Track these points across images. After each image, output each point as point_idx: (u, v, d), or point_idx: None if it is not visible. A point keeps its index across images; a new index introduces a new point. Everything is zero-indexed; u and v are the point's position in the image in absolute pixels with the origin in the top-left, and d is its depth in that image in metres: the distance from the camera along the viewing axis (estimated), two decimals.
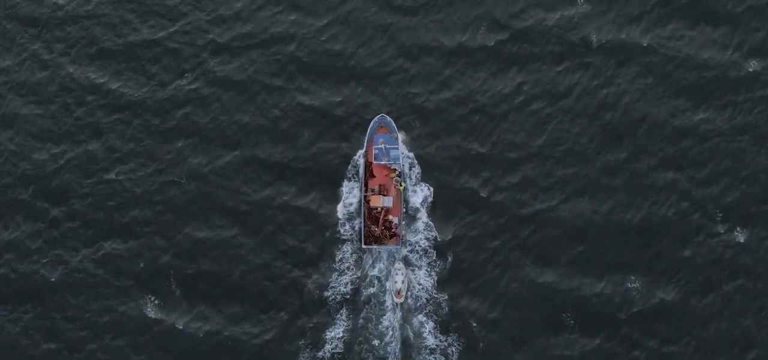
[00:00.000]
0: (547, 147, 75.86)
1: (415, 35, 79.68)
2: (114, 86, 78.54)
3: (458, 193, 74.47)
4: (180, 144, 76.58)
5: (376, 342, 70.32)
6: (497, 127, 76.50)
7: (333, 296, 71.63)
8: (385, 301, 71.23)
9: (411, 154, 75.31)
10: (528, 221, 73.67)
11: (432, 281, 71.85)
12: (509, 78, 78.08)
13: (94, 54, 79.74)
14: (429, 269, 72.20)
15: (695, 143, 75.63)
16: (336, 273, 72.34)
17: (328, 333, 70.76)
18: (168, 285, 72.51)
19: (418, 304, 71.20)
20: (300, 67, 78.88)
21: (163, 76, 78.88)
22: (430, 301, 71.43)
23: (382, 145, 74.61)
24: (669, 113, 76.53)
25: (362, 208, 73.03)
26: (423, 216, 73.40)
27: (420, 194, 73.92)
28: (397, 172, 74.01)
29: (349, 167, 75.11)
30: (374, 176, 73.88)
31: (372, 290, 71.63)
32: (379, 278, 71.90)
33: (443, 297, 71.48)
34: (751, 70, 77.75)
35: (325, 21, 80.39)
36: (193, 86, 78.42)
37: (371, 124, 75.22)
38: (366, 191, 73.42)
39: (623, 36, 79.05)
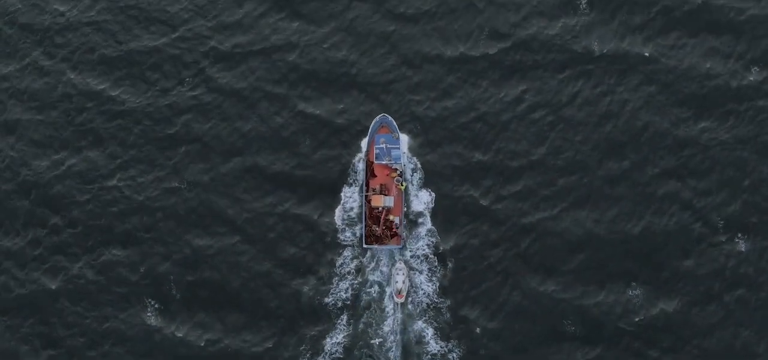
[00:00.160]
0: (549, 156, 75.76)
1: (416, 43, 79.61)
2: (115, 93, 78.46)
3: (460, 202, 74.37)
4: (181, 151, 76.48)
5: (376, 348, 70.22)
6: (499, 135, 76.42)
7: (333, 302, 71.58)
8: (386, 306, 71.17)
9: (414, 159, 75.24)
10: (529, 230, 73.57)
11: (433, 287, 71.79)
12: (511, 87, 78.00)
13: (95, 61, 79.66)
14: (430, 274, 72.14)
15: (697, 153, 75.53)
16: (336, 278, 72.28)
17: (328, 339, 70.67)
18: (168, 292, 72.42)
19: (419, 310, 71.13)
20: (301, 75, 78.80)
21: (164, 83, 78.80)
22: (431, 307, 71.38)
23: (384, 145, 74.64)
24: (671, 123, 76.45)
25: (363, 207, 73.03)
26: (424, 222, 73.34)
27: (421, 200, 73.86)
28: (398, 172, 74.03)
29: (350, 172, 75.03)
30: (375, 176, 73.95)
31: (373, 295, 71.58)
32: (380, 283, 71.85)
33: (444, 304, 71.40)
34: (752, 79, 77.69)
35: (327, 29, 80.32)
36: (194, 94, 78.34)
37: (372, 123, 75.25)
38: (367, 191, 73.50)
39: (625, 45, 78.98)
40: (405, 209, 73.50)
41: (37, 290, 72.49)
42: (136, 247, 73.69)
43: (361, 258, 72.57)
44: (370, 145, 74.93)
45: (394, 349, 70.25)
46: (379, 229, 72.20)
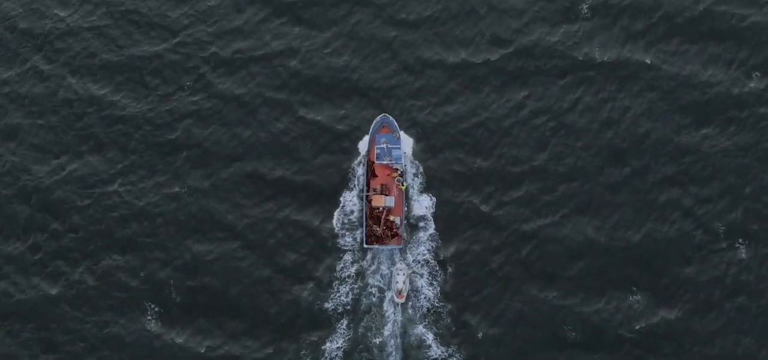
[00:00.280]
0: (550, 162, 75.70)
1: (418, 49, 79.56)
2: (115, 99, 78.38)
3: (461, 207, 74.30)
4: (181, 157, 76.40)
5: (377, 353, 70.15)
6: (500, 141, 76.36)
7: (333, 307, 71.56)
8: (386, 311, 71.12)
9: (416, 162, 75.25)
10: (530, 236, 73.49)
11: (434, 292, 71.75)
12: (512, 93, 77.95)
13: (95, 66, 79.58)
14: (430, 279, 72.09)
15: (698, 160, 75.46)
16: (337, 282, 72.29)
17: (328, 344, 70.62)
18: (168, 298, 72.33)
19: (420, 315, 71.07)
20: (302, 81, 78.73)
21: (164, 88, 78.72)
22: (432, 311, 71.35)
23: (384, 145, 74.65)
24: (672, 130, 76.39)
25: (364, 208, 72.98)
26: (425, 227, 73.30)
27: (423, 204, 73.82)
28: (399, 172, 74.01)
29: (351, 176, 74.98)
30: (376, 176, 73.99)
31: (373, 299, 71.56)
32: (380, 288, 71.80)
33: (445, 310, 71.34)
34: (754, 86, 77.64)
35: (328, 34, 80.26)
36: (194, 99, 78.26)
37: (373, 123, 75.29)
38: (368, 191, 73.54)
39: (627, 52, 78.94)
40: (405, 209, 73.47)
41: (37, 295, 72.37)
42: (136, 252, 73.60)
43: (361, 262, 72.56)
44: (370, 145, 74.90)
45: (394, 353, 70.18)
46: (379, 229, 72.19)
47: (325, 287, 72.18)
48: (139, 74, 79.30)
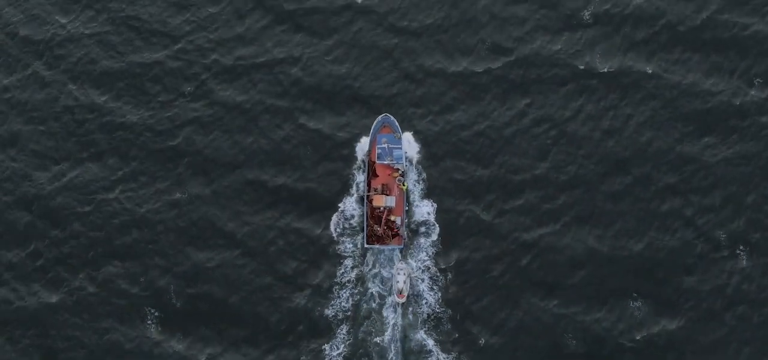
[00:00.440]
0: (552, 171, 75.62)
1: (419, 57, 79.54)
2: (116, 105, 78.34)
3: (462, 216, 74.22)
4: (181, 165, 76.34)
5: (377, 358, 70.16)
6: (501, 150, 76.30)
7: (333, 314, 71.51)
8: (386, 317, 71.07)
9: (419, 166, 75.27)
10: (531, 245, 73.40)
11: (435, 298, 71.69)
12: (514, 101, 77.90)
13: (96, 73, 79.55)
14: (431, 283, 72.05)
15: (700, 169, 75.39)
16: (337, 287, 72.21)
17: (328, 351, 70.49)
18: (168, 306, 72.21)
19: (420, 321, 71.03)
20: (303, 89, 78.69)
21: (165, 95, 78.68)
22: (432, 317, 71.28)
23: (386, 145, 74.67)
24: (674, 139, 76.33)
25: (365, 207, 73.01)
26: (426, 235, 73.28)
27: (424, 210, 73.80)
28: (400, 172, 74.04)
29: (352, 182, 74.97)
30: (377, 176, 74.04)
31: (373, 305, 71.54)
32: (380, 294, 71.77)
33: (445, 315, 71.29)
34: (756, 96, 77.59)
35: (330, 42, 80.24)
36: (195, 106, 78.21)
37: (374, 123, 75.35)
38: (369, 191, 73.58)
39: (628, 61, 78.91)
40: (406, 209, 73.45)
41: (37, 302, 72.26)
42: (136, 259, 73.50)
43: (361, 266, 72.53)
44: (371, 145, 74.91)
45: (395, 358, 70.14)
46: (380, 229, 72.21)
47: (325, 293, 72.12)
48: (140, 81, 79.27)
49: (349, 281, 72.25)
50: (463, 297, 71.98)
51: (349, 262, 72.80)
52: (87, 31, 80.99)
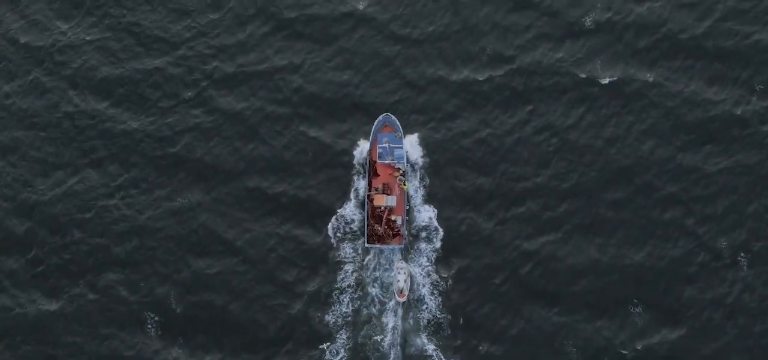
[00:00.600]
0: (553, 180, 75.56)
1: (420, 65, 79.47)
2: (116, 113, 78.24)
3: (463, 224, 74.18)
4: (181, 173, 76.26)
5: None
6: (503, 159, 76.23)
7: (333, 321, 71.57)
8: (386, 323, 71.06)
9: (421, 170, 75.34)
10: (532, 254, 73.35)
11: (435, 303, 71.69)
12: (515, 110, 77.84)
13: (96, 80, 79.44)
14: (432, 288, 72.02)
15: (701, 178, 75.34)
16: (337, 292, 72.25)
17: (329, 356, 70.51)
18: (168, 313, 72.15)
19: (421, 326, 70.99)
20: (304, 97, 78.60)
21: (165, 103, 78.58)
22: (433, 323, 71.26)
23: (387, 144, 74.68)
24: (675, 148, 76.28)
25: (365, 207, 73.09)
26: (427, 243, 73.25)
27: (425, 215, 73.74)
28: (401, 172, 74.05)
29: (352, 189, 74.94)
30: (378, 175, 74.13)
31: (373, 311, 71.56)
32: (381, 300, 71.71)
33: (445, 321, 71.31)
34: (758, 105, 77.54)
35: (331, 50, 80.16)
36: (195, 114, 78.12)
37: (375, 122, 75.37)
38: (370, 190, 73.66)
39: (630, 70, 78.86)
40: (407, 208, 73.43)
41: (36, 310, 72.17)
42: (136, 266, 73.42)
43: (361, 271, 72.51)
44: (373, 144, 74.91)
45: None
46: (381, 228, 72.18)
47: (325, 299, 72.11)
48: (140, 88, 79.17)
49: (349, 286, 72.29)
50: (464, 304, 71.96)
51: (349, 267, 72.80)
52: (88, 38, 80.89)
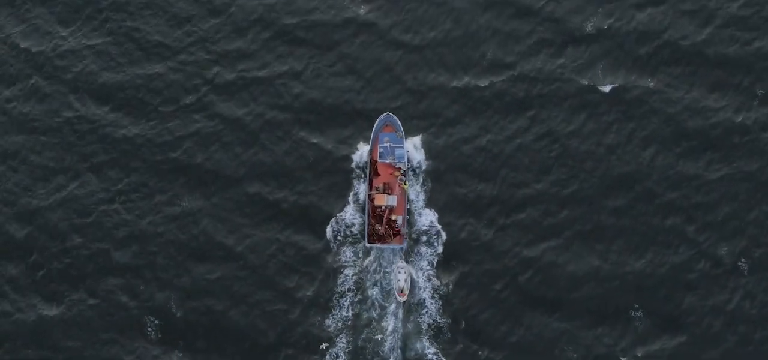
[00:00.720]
0: (553, 187, 75.54)
1: (421, 72, 79.47)
2: (116, 118, 78.17)
3: (463, 231, 74.15)
4: (181, 178, 76.22)
5: None
6: (503, 165, 76.22)
7: (334, 325, 71.55)
8: (386, 326, 71.01)
9: (422, 172, 75.35)
10: (533, 261, 73.33)
11: (435, 308, 71.61)
12: (515, 117, 77.84)
13: (96, 86, 79.39)
14: (432, 293, 71.97)
15: (702, 186, 75.34)
16: (336, 296, 72.24)
17: None
18: (168, 319, 72.06)
19: (421, 330, 70.94)
20: (305, 103, 78.58)
21: (165, 108, 78.53)
22: (433, 327, 71.18)
23: (387, 144, 74.71)
24: (676, 155, 76.29)
25: (366, 206, 73.15)
26: (428, 248, 73.23)
27: (425, 220, 73.73)
28: (401, 171, 74.08)
29: (352, 193, 74.96)
30: (379, 174, 74.25)
31: (373, 314, 71.53)
32: (381, 303, 71.70)
33: (445, 327, 71.30)
34: (758, 112, 77.57)
35: (331, 56, 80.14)
36: (195, 120, 78.08)
37: (376, 122, 75.44)
38: (370, 190, 73.69)
39: (631, 77, 78.87)
40: (408, 207, 73.40)
41: (36, 315, 72.08)
42: (136, 272, 73.35)
43: (361, 275, 72.49)
44: (373, 143, 74.91)
45: None
46: (382, 228, 72.17)
47: (325, 304, 72.10)
48: (140, 93, 79.13)
49: (349, 290, 72.31)
50: (464, 309, 71.94)
51: (349, 271, 72.80)
52: (88, 43, 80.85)
